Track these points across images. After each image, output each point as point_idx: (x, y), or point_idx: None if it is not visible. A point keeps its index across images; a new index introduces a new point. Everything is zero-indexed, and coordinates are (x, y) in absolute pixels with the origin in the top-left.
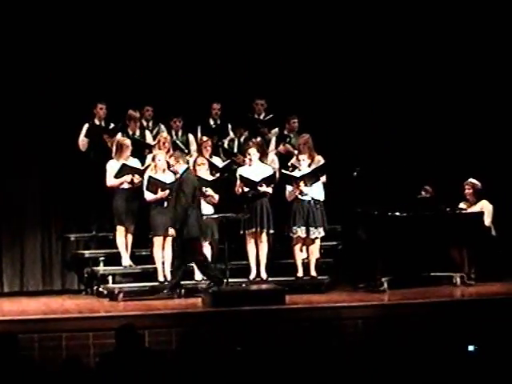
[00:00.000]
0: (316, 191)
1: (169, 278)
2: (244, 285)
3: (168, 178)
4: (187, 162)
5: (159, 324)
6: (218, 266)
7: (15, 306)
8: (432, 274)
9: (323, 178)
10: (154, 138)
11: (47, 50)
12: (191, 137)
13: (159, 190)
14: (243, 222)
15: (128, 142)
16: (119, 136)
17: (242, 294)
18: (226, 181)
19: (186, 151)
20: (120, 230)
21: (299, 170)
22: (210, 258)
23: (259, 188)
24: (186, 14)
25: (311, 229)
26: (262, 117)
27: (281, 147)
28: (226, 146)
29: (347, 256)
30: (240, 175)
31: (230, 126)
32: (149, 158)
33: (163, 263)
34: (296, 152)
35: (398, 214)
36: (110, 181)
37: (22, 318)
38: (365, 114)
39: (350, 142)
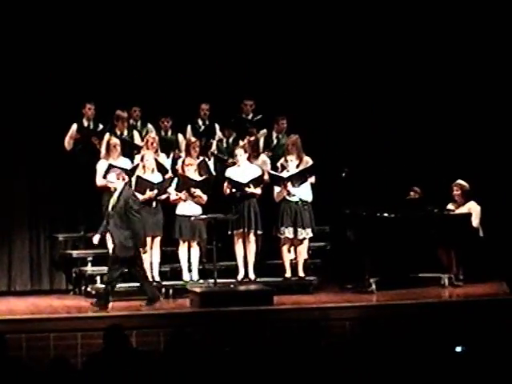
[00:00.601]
0: (304, 192)
1: (157, 278)
2: (232, 285)
3: (157, 178)
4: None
5: (147, 324)
6: (206, 267)
7: (3, 305)
8: (420, 274)
9: (311, 179)
10: (143, 138)
11: (35, 50)
12: (180, 137)
13: (147, 190)
14: (231, 223)
15: (117, 141)
16: (107, 136)
17: (230, 294)
18: (214, 181)
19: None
20: None
21: (287, 171)
22: (198, 259)
23: (247, 189)
24: (175, 15)
25: (299, 229)
26: (250, 117)
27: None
28: (214, 147)
29: (335, 257)
30: (227, 177)
31: (217, 126)
32: (137, 158)
33: (151, 263)
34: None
35: (386, 214)
36: (100, 181)
37: (10, 317)
38: (353, 115)
39: (338, 142)
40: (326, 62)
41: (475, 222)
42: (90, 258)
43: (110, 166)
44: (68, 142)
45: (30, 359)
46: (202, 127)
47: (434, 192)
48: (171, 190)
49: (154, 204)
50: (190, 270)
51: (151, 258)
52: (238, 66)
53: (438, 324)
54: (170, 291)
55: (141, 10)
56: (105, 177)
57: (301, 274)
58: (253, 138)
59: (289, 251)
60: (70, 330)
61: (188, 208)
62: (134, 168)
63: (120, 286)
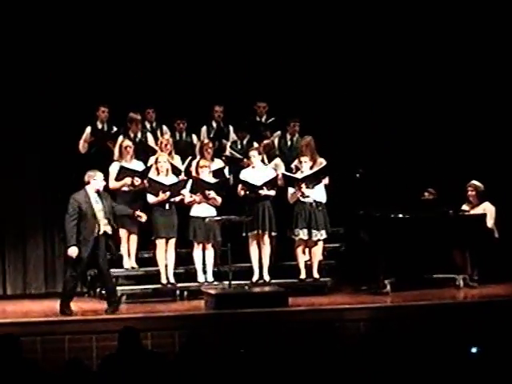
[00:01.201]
0: (318, 193)
1: (172, 280)
2: (247, 287)
3: (171, 180)
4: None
5: (162, 326)
6: (222, 269)
7: (18, 308)
8: (435, 276)
9: (325, 180)
10: (157, 140)
11: (49, 53)
12: (195, 138)
13: (160, 192)
14: (246, 225)
15: (130, 144)
16: (121, 138)
17: (245, 296)
18: (228, 183)
19: None
20: (122, 233)
21: (301, 172)
22: (212, 260)
23: (261, 192)
24: (188, 18)
25: (313, 231)
26: (263, 119)
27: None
28: (228, 149)
29: (350, 258)
30: (241, 180)
31: (231, 128)
32: (151, 160)
33: (166, 265)
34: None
35: (400, 215)
36: (112, 183)
37: (25, 320)
38: (367, 116)
39: (352, 143)
40: (340, 62)
41: (490, 222)
42: None
43: (122, 169)
44: (82, 145)
45: (45, 362)
46: (217, 129)
47: (449, 193)
48: (186, 192)
49: (168, 206)
50: (204, 272)
51: (166, 259)
52: (252, 68)
53: (453, 325)
54: (185, 293)
55: (156, 14)
56: (117, 179)
57: (315, 275)
58: (267, 142)
59: (303, 253)
60: (84, 332)
61: (202, 210)
62: (147, 170)
63: (134, 288)
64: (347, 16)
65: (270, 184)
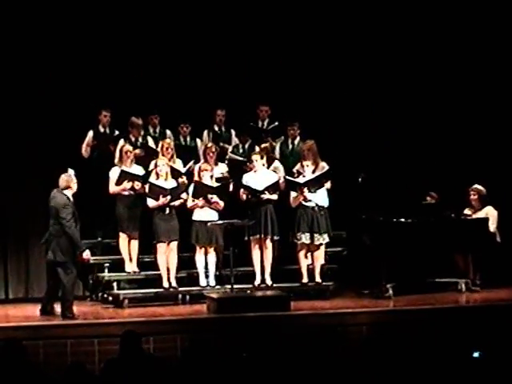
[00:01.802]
0: (320, 197)
1: (173, 284)
2: (249, 291)
3: (170, 184)
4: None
5: (164, 330)
6: (224, 273)
7: (20, 312)
8: (437, 280)
9: (328, 184)
10: (157, 144)
11: (52, 58)
12: (199, 142)
13: (161, 196)
14: (248, 229)
15: (130, 148)
16: (121, 143)
17: (247, 300)
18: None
19: None
20: (123, 237)
21: (303, 176)
22: (214, 264)
23: (263, 196)
24: (190, 23)
25: (316, 235)
26: (266, 123)
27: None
28: (229, 153)
29: (352, 262)
30: (243, 185)
31: (233, 132)
32: (152, 164)
33: (168, 269)
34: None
35: (402, 219)
36: (112, 188)
37: (27, 324)
38: (369, 120)
39: (354, 148)
40: (342, 67)
41: (492, 226)
42: (106, 265)
43: (123, 173)
44: (85, 150)
45: (47, 366)
46: (219, 133)
47: (451, 197)
48: (186, 195)
49: (168, 210)
50: (206, 276)
51: (168, 263)
52: (254, 72)
53: (456, 329)
54: (187, 297)
55: (158, 20)
56: (117, 184)
57: (317, 279)
58: (264, 146)
59: (305, 257)
60: (86, 336)
61: (205, 214)
62: (148, 174)
63: (136, 291)
64: (347, 19)
65: (272, 188)
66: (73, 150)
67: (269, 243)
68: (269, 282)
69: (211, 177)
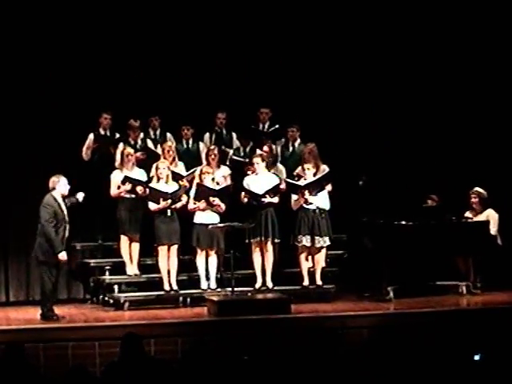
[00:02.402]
0: (321, 200)
1: (174, 287)
2: (250, 294)
3: (171, 187)
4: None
5: (165, 333)
6: (225, 276)
7: (21, 315)
8: (438, 282)
9: (329, 187)
10: (156, 147)
11: (53, 60)
12: (201, 145)
13: (161, 199)
14: (249, 231)
15: (132, 151)
16: (121, 146)
17: (248, 303)
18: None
19: None
20: (124, 239)
21: (305, 179)
22: (215, 267)
23: (264, 200)
24: (191, 25)
25: (316, 238)
26: (266, 125)
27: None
28: (231, 154)
29: (353, 265)
30: (244, 188)
31: (235, 135)
32: (153, 167)
33: (169, 272)
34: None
35: (403, 222)
36: (114, 191)
37: (28, 327)
38: (370, 123)
39: (355, 150)
40: (343, 70)
41: (493, 229)
42: (107, 267)
43: (126, 178)
44: (85, 152)
45: (48, 369)
46: (219, 136)
47: (452, 200)
48: (189, 198)
49: (169, 213)
50: (207, 279)
51: (169, 266)
52: (255, 75)
53: (456, 332)
54: (188, 300)
55: (160, 22)
56: (119, 187)
57: (318, 282)
58: (267, 149)
59: (306, 259)
60: (88, 339)
61: (206, 217)
62: (150, 179)
63: (137, 294)
64: (346, 22)
65: (273, 192)
66: (74, 153)
67: (270, 246)
68: (270, 284)
69: (213, 179)
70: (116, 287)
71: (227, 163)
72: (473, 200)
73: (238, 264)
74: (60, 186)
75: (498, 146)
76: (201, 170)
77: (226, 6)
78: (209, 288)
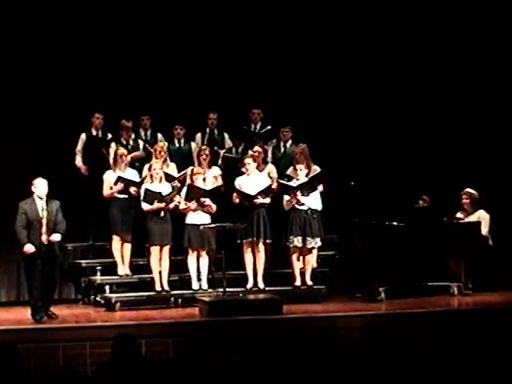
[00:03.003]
0: (313, 201)
1: (166, 287)
2: (241, 294)
3: (164, 187)
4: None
5: (156, 333)
6: (216, 276)
7: (12, 315)
8: (429, 283)
9: (320, 188)
10: (152, 147)
11: (45, 60)
12: (193, 145)
13: (155, 201)
14: (240, 232)
15: (125, 152)
16: (114, 146)
17: (240, 303)
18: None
19: None
20: (116, 240)
21: (297, 180)
22: (207, 268)
23: (255, 201)
24: (184, 27)
25: (308, 238)
26: (258, 126)
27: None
28: (223, 153)
29: (344, 265)
30: (236, 189)
31: (227, 135)
32: (145, 168)
33: (160, 273)
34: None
35: (395, 223)
36: (106, 191)
37: (19, 327)
38: (361, 123)
39: (347, 152)
40: (334, 73)
41: (484, 230)
42: (98, 268)
43: (119, 179)
44: (79, 151)
45: (39, 369)
46: (211, 136)
47: (443, 200)
48: (180, 198)
49: (162, 213)
50: (199, 279)
51: (160, 266)
52: (247, 75)
53: (447, 333)
54: (179, 300)
55: (152, 23)
56: (112, 188)
57: (309, 282)
58: (259, 150)
59: (298, 260)
60: (79, 339)
61: (197, 217)
62: (143, 179)
63: (129, 295)
64: (339, 26)
65: (265, 193)
66: (65, 153)
67: (261, 246)
68: (261, 285)
69: (204, 180)
70: (107, 287)
71: (219, 162)
72: (464, 201)
73: (230, 264)
74: (37, 188)
75: (490, 148)
76: (192, 171)
77: (219, 7)
78: (200, 288)
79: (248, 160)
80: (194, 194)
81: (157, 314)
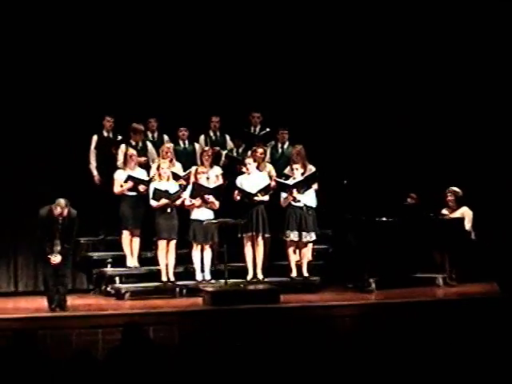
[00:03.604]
0: (309, 198)
1: (172, 278)
2: (242, 285)
3: (171, 184)
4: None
5: (163, 321)
6: (218, 268)
7: (30, 304)
8: (416, 275)
9: (315, 186)
10: (159, 148)
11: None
12: (197, 146)
13: (162, 198)
14: (241, 227)
15: (134, 152)
16: (124, 147)
17: (240, 293)
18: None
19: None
20: (125, 234)
21: (293, 179)
22: (210, 260)
23: (255, 198)
24: (188, 36)
25: (304, 233)
26: (258, 129)
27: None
28: (226, 152)
29: (337, 258)
30: (238, 187)
31: (228, 137)
32: (153, 167)
33: (167, 265)
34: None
35: (384, 219)
36: (117, 189)
37: (37, 315)
38: (353, 125)
39: (340, 153)
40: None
41: (468, 225)
42: (109, 260)
43: (129, 177)
44: (92, 152)
45: (55, 353)
46: (214, 138)
47: (430, 198)
48: (186, 196)
49: (169, 210)
50: (202, 271)
51: (167, 259)
52: (247, 81)
53: (433, 321)
54: (184, 290)
55: (158, 30)
56: (122, 186)
57: (305, 274)
58: (260, 151)
59: (294, 253)
60: (91, 326)
61: (202, 213)
62: (151, 178)
63: (137, 285)
64: (332, 31)
65: (264, 191)
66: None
67: (260, 240)
68: (260, 276)
69: (207, 178)
70: (117, 279)
71: (223, 159)
72: (449, 198)
73: (231, 257)
74: (56, 209)
75: (472, 149)
76: (196, 170)
77: (220, 17)
78: (203, 279)
79: (249, 160)
80: (199, 191)
81: (163, 303)
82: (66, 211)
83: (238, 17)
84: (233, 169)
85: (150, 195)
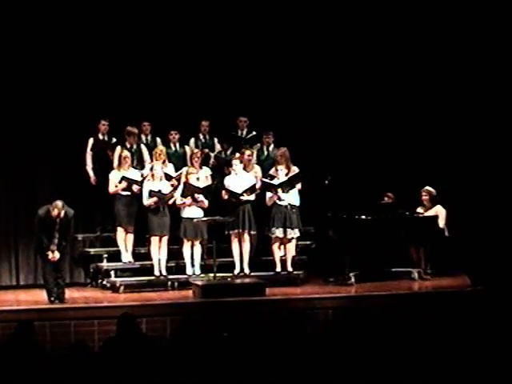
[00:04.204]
0: (292, 197)
1: (164, 273)
2: (229, 279)
3: (163, 185)
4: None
5: (155, 313)
6: (207, 263)
7: (29, 296)
8: (393, 269)
9: (299, 186)
10: (152, 150)
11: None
12: (187, 148)
13: (155, 198)
14: (228, 224)
15: (128, 154)
16: (119, 149)
17: (228, 286)
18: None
19: None
20: (120, 231)
21: (277, 179)
22: (200, 255)
23: (242, 198)
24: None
25: (288, 230)
26: (245, 132)
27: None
28: (212, 159)
29: (319, 254)
30: (225, 187)
31: (216, 140)
32: (147, 168)
33: (159, 260)
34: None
35: (363, 217)
36: (112, 189)
37: (36, 307)
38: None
39: (322, 155)
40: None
41: (441, 223)
42: (105, 255)
43: (123, 178)
44: (89, 154)
45: (53, 343)
46: (203, 141)
47: (405, 197)
48: (178, 195)
49: (162, 208)
50: (192, 265)
51: (159, 254)
52: (236, 88)
53: (409, 313)
54: (176, 284)
55: (152, 34)
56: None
57: (289, 268)
58: (248, 153)
59: (279, 249)
60: (88, 318)
61: (192, 211)
62: (144, 178)
63: (131, 279)
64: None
65: (250, 190)
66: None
67: (247, 237)
68: (247, 270)
69: (197, 179)
70: (113, 273)
71: (212, 160)
72: (423, 197)
73: (219, 252)
74: (53, 211)
75: (446, 150)
76: (186, 171)
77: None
78: (194, 274)
79: (235, 161)
80: (190, 191)
81: (156, 295)
82: (62, 212)
83: (226, 27)
84: (221, 170)
85: (144, 195)
